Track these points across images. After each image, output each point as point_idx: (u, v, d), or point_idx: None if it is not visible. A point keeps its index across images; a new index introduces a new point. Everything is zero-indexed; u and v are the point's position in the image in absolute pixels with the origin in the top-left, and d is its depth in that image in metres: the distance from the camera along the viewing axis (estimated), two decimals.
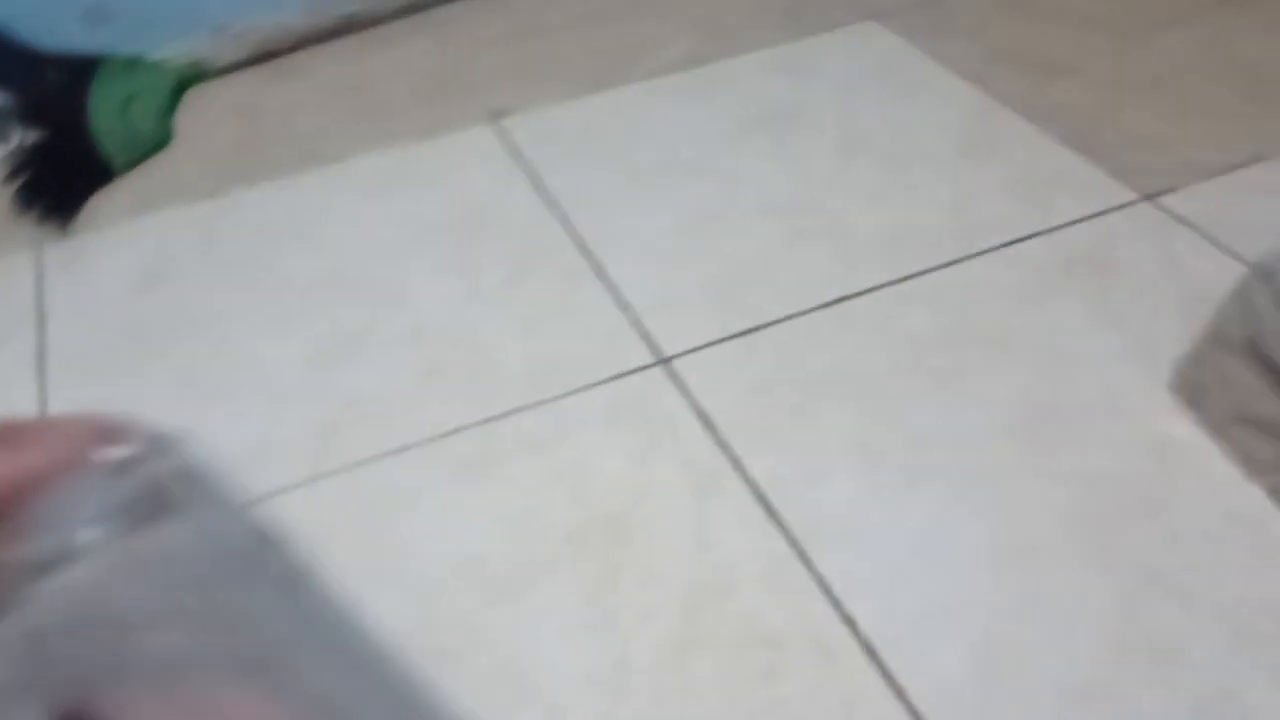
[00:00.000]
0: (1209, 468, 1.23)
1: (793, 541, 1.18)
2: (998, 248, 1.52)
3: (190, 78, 2.00)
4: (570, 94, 1.91)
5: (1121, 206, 1.56)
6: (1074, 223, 1.54)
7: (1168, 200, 1.56)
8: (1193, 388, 1.28)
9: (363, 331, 1.49)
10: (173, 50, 2.02)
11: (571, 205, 1.66)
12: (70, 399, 1.43)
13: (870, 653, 1.08)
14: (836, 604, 1.12)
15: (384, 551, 1.22)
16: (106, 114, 1.84)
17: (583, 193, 1.69)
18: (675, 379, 1.37)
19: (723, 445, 1.29)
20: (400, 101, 1.94)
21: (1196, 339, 1.26)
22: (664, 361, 1.40)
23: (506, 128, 1.85)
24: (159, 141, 1.87)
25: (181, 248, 1.66)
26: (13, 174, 1.78)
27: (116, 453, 0.25)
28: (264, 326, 1.51)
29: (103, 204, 1.77)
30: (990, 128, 1.74)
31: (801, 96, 1.85)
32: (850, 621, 1.11)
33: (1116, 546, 1.16)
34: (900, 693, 1.05)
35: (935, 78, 1.87)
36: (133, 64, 1.95)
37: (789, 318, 1.44)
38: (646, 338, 1.43)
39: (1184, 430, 1.26)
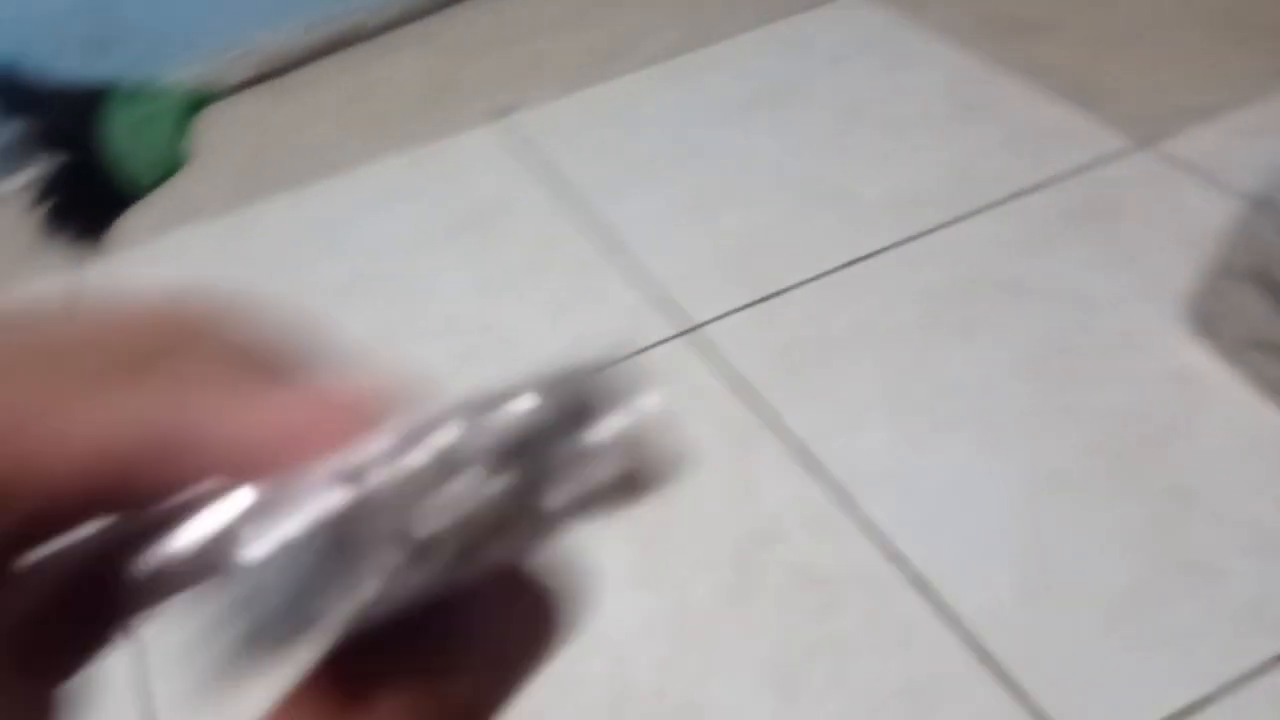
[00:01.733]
0: (1227, 393, 1.27)
1: (835, 488, 1.22)
2: (1003, 201, 1.56)
3: (200, 99, 2.04)
4: (570, 88, 1.95)
5: (1119, 154, 1.61)
6: (1074, 172, 1.59)
7: (1164, 145, 1.61)
8: (1206, 319, 1.32)
9: (395, 326, 1.53)
10: (180, 74, 2.06)
11: (583, 192, 1.71)
12: None
13: (921, 585, 1.12)
14: (884, 543, 1.17)
15: None
16: (121, 138, 1.88)
17: (593, 180, 1.73)
18: (706, 345, 1.42)
19: (758, 403, 1.33)
20: (405, 108, 1.99)
21: (1206, 272, 1.31)
22: (694, 329, 1.44)
23: (511, 125, 1.89)
24: (175, 163, 1.91)
25: (209, 261, 1.70)
26: (40, 200, 1.82)
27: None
28: None
29: (128, 224, 1.80)
30: (983, 88, 1.79)
31: (795, 72, 1.90)
32: (899, 558, 1.15)
33: (1145, 472, 1.20)
34: (955, 620, 1.09)
35: (924, 44, 1.91)
36: (142, 89, 1.99)
37: (807, 281, 1.49)
38: (673, 309, 1.48)
39: (1201, 359, 1.31)
